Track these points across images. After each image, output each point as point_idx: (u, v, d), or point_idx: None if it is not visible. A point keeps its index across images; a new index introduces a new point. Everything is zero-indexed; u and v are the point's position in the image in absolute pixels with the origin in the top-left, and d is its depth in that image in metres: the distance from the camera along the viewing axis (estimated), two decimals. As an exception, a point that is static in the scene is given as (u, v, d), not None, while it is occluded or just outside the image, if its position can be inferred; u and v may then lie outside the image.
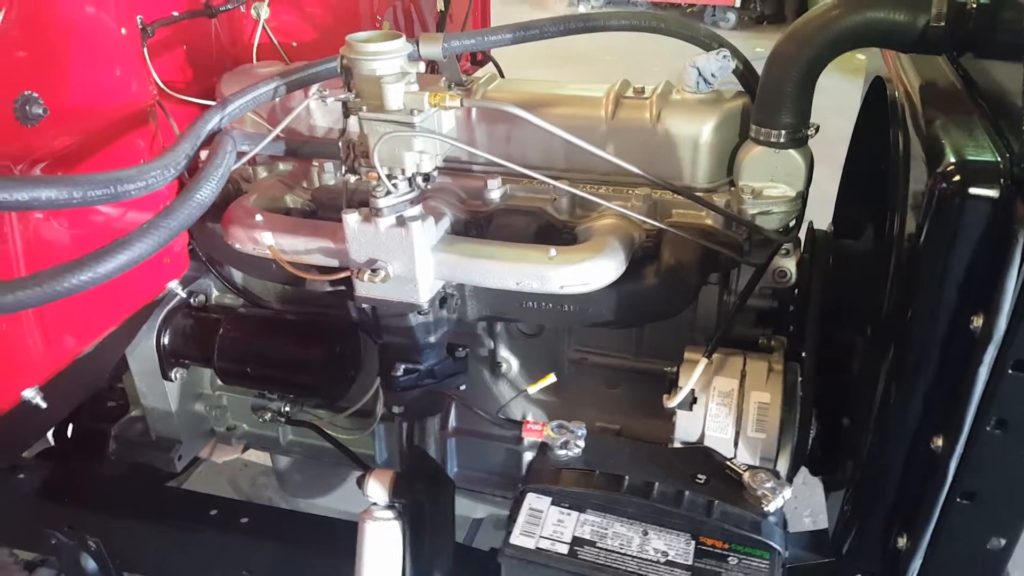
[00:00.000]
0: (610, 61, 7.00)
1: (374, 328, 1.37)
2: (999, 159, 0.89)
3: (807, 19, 1.18)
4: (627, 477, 1.04)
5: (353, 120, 1.17)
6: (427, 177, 1.20)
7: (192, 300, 1.61)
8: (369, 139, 1.13)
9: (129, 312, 1.23)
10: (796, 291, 1.35)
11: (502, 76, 1.56)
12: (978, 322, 0.91)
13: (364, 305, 1.30)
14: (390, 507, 1.26)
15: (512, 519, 1.04)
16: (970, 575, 1.08)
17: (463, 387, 1.47)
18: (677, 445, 1.26)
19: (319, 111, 1.50)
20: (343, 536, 1.34)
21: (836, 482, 1.36)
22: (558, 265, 1.21)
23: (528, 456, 1.61)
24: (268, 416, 1.64)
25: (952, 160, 0.91)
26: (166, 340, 1.58)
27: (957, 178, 0.90)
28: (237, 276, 1.66)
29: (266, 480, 2.69)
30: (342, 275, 1.26)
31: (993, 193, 0.88)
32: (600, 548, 0.99)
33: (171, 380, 1.64)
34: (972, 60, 1.11)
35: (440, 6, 1.98)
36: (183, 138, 1.03)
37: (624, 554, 0.99)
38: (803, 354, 1.27)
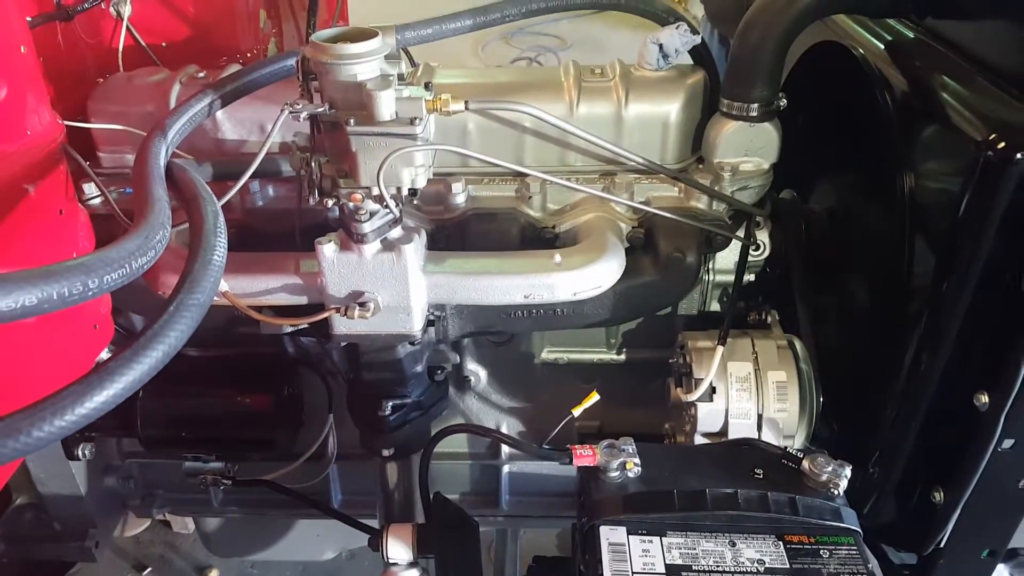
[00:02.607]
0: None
1: (349, 367, 1.21)
2: (1040, 122, 0.91)
3: None
4: (708, 491, 0.98)
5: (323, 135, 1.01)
6: (414, 192, 1.06)
7: (89, 360, 1.35)
8: (361, 157, 0.97)
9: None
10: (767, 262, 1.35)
11: (411, 61, 1.41)
12: (1031, 283, 0.93)
13: (343, 343, 1.14)
14: (413, 564, 1.12)
15: (593, 559, 0.94)
16: (999, 516, 1.13)
17: (444, 412, 1.36)
18: (699, 439, 1.22)
19: (228, 123, 1.29)
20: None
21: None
22: (567, 271, 1.12)
23: (508, 469, 1.52)
24: (209, 480, 1.42)
25: (993, 126, 0.92)
26: (69, 414, 1.31)
27: (1002, 145, 0.90)
28: (137, 323, 1.42)
29: (174, 536, 2.42)
30: (323, 315, 1.09)
31: (1041, 156, 0.89)
32: (698, 570, 0.93)
33: (77, 459, 1.37)
34: (943, 22, 1.13)
35: (311, -11, 1.77)
36: (148, 183, 0.82)
37: (724, 571, 0.93)
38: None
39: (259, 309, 1.13)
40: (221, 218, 0.80)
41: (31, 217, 0.89)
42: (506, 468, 1.52)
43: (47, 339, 0.90)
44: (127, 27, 1.42)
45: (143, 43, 1.45)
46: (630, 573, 0.92)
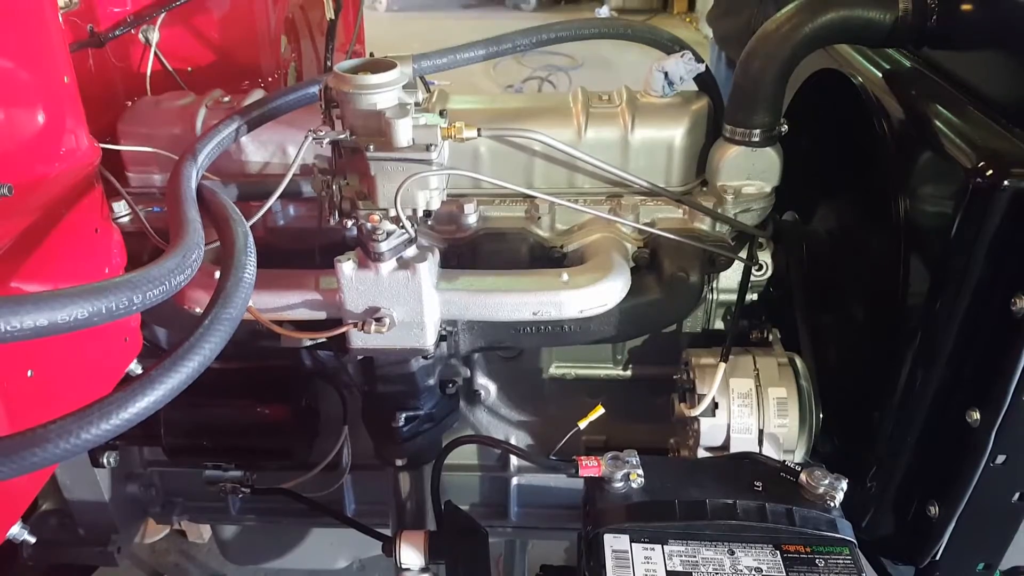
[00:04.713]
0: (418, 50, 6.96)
1: (364, 379, 1.27)
2: (1024, 149, 0.95)
3: (782, 19, 1.19)
4: (707, 501, 1.02)
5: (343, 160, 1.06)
6: (428, 213, 1.11)
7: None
8: (379, 181, 1.02)
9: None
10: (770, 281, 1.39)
11: (426, 87, 1.47)
12: (1021, 303, 0.96)
13: (359, 357, 1.19)
14: (425, 570, 1.17)
15: (597, 565, 0.99)
16: (994, 530, 1.16)
17: (455, 424, 1.40)
18: (702, 453, 1.26)
19: (251, 145, 1.35)
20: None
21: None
22: (574, 289, 1.17)
23: (516, 481, 1.56)
24: (228, 488, 1.47)
25: (982, 153, 0.96)
26: (95, 423, 1.36)
27: (990, 172, 0.95)
28: (161, 336, 1.47)
29: (189, 546, 2.46)
30: (341, 330, 1.14)
31: (1026, 183, 0.93)
32: (697, 578, 0.97)
33: (102, 466, 1.43)
34: (938, 52, 1.18)
35: (330, 15, 1.84)
36: (182, 205, 0.87)
37: (722, 580, 0.97)
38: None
39: (280, 323, 1.18)
40: (251, 238, 0.86)
41: (70, 236, 0.95)
42: (515, 480, 1.56)
43: (83, 350, 0.96)
44: (155, 53, 1.49)
45: (170, 68, 1.52)
46: (632, 580, 0.97)
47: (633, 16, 7.95)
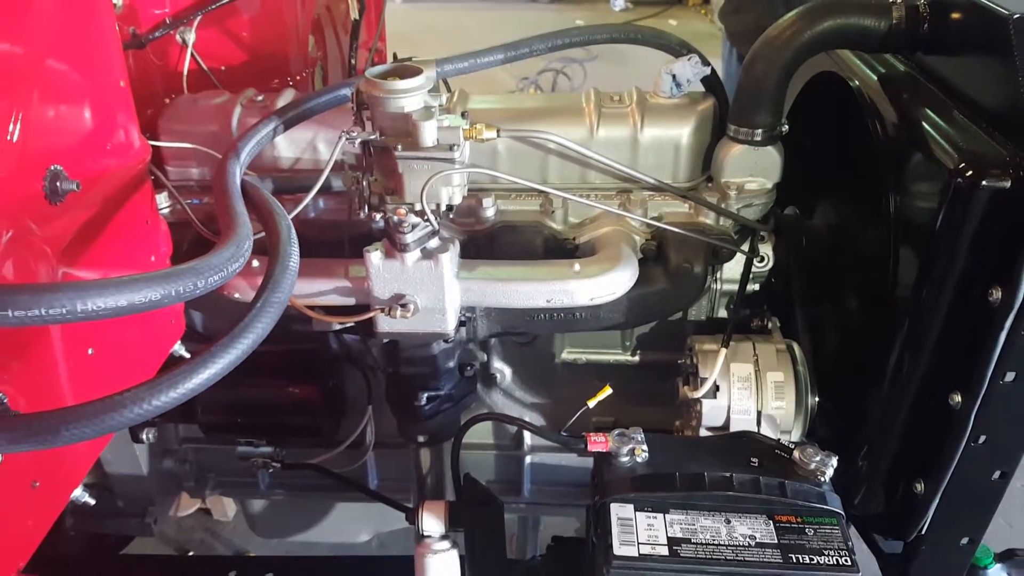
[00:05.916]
0: (433, 41, 7.04)
1: (389, 361, 1.36)
2: (1004, 152, 1.03)
3: (784, 24, 1.27)
4: (706, 474, 1.11)
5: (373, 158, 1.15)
6: (451, 208, 1.20)
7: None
8: (406, 178, 1.11)
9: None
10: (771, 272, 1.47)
11: (448, 87, 1.56)
12: (997, 295, 1.04)
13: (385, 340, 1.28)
14: (445, 537, 1.26)
15: (604, 531, 1.08)
16: (976, 506, 1.24)
17: (473, 405, 1.49)
18: (704, 433, 1.34)
19: (283, 142, 1.44)
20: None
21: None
22: (585, 279, 1.25)
23: (530, 460, 1.65)
24: (260, 464, 1.57)
25: (964, 156, 1.04)
26: (137, 400, 1.46)
27: (970, 173, 1.03)
28: (196, 321, 1.57)
29: (214, 523, 2.57)
30: (369, 315, 1.23)
31: (1005, 184, 1.01)
32: (696, 543, 1.06)
33: (142, 441, 1.53)
34: (930, 58, 1.25)
35: (354, 15, 1.93)
36: (230, 199, 0.96)
37: (719, 544, 1.06)
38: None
39: (312, 309, 1.27)
40: (293, 230, 0.94)
41: (125, 227, 1.04)
42: (528, 459, 1.65)
43: (136, 331, 1.06)
44: (191, 53, 1.58)
45: (205, 67, 1.61)
46: (636, 544, 1.05)
47: (649, 8, 7.98)
